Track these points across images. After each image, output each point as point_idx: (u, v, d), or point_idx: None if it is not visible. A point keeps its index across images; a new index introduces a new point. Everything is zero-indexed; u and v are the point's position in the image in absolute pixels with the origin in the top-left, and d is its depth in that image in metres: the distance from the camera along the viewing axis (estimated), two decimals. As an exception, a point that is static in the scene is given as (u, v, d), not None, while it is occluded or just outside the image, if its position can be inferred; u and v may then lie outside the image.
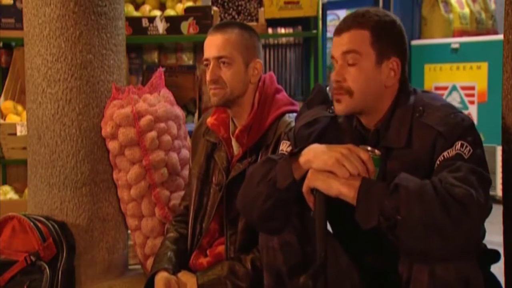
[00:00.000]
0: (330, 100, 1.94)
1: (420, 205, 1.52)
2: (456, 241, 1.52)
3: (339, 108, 1.81)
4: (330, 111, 1.92)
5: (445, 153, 1.67)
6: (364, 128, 1.85)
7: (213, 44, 2.17)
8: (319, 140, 1.84)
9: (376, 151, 1.70)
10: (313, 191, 1.69)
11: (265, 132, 2.18)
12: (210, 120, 2.30)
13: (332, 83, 1.82)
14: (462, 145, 1.66)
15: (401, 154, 1.76)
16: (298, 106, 2.26)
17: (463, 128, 1.70)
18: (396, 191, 1.55)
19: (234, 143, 2.25)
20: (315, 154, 1.69)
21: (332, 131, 1.89)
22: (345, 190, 1.62)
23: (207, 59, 2.19)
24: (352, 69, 1.78)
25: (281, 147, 1.97)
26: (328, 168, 1.65)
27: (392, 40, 1.81)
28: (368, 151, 1.68)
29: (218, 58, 2.16)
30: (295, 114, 2.19)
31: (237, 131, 2.21)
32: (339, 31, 1.82)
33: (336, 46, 1.82)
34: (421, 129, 1.75)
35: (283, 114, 2.20)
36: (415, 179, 1.58)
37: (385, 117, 1.81)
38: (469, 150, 1.65)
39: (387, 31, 1.80)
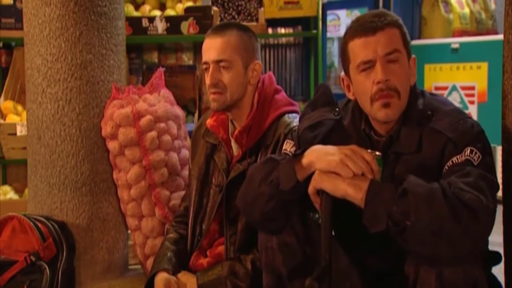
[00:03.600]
0: (335, 102, 1.92)
1: (429, 211, 1.51)
2: (465, 247, 1.52)
3: (389, 112, 1.73)
4: (335, 114, 1.88)
5: (454, 159, 1.66)
6: (375, 132, 1.82)
7: (212, 47, 2.16)
8: (324, 144, 1.80)
9: (377, 152, 1.69)
10: (319, 192, 1.68)
11: (264, 132, 2.17)
12: (209, 122, 2.29)
13: (380, 84, 1.71)
14: (471, 151, 1.65)
15: (410, 159, 1.75)
16: (297, 106, 2.26)
17: (473, 135, 1.69)
18: (405, 196, 1.54)
19: (233, 144, 2.25)
20: (318, 156, 1.68)
21: (337, 135, 1.86)
22: (352, 192, 1.61)
23: (206, 63, 2.18)
24: (396, 68, 1.72)
25: (284, 147, 1.95)
26: (332, 169, 1.64)
27: (408, 38, 1.80)
28: (369, 152, 1.68)
29: (217, 62, 2.15)
30: (294, 115, 2.19)
31: (236, 132, 2.20)
32: (371, 30, 1.72)
33: (373, 47, 1.71)
34: (430, 134, 1.73)
35: (282, 114, 2.19)
36: (423, 183, 1.57)
37: (397, 122, 1.79)
38: (479, 157, 1.65)
39: (405, 30, 1.80)
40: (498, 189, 1.65)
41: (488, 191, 1.57)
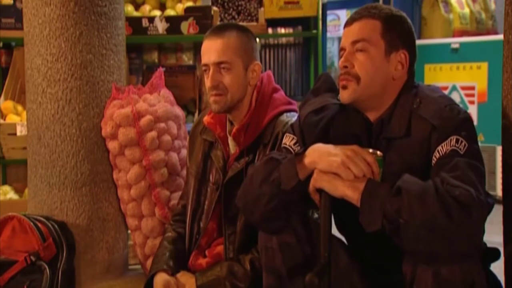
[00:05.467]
0: (337, 89, 1.94)
1: (421, 208, 1.51)
2: (459, 243, 1.53)
3: (345, 95, 1.80)
4: (339, 99, 1.90)
5: (440, 148, 1.67)
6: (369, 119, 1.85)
7: (212, 49, 2.15)
8: (328, 128, 1.84)
9: (378, 152, 1.70)
10: (319, 191, 1.69)
11: (262, 131, 2.17)
12: (206, 119, 2.29)
13: (341, 69, 1.82)
14: (457, 141, 1.66)
15: (400, 144, 1.76)
16: (296, 105, 2.26)
17: (458, 122, 1.70)
18: (399, 194, 1.55)
19: (230, 142, 2.24)
20: (320, 155, 1.69)
21: (340, 119, 1.88)
22: (350, 193, 1.62)
23: (206, 65, 2.17)
24: (360, 56, 1.78)
25: (284, 140, 1.94)
26: (334, 170, 1.65)
27: (402, 33, 1.82)
28: (370, 153, 1.68)
29: (218, 64, 2.14)
30: (292, 113, 2.19)
31: (234, 130, 2.20)
32: (350, 21, 1.83)
33: (346, 36, 1.83)
34: (418, 121, 1.75)
35: (280, 113, 2.19)
36: (418, 181, 1.58)
37: (389, 109, 1.81)
38: (465, 145, 1.65)
39: (398, 24, 1.82)
40: (485, 175, 1.66)
41: (477, 181, 1.58)
